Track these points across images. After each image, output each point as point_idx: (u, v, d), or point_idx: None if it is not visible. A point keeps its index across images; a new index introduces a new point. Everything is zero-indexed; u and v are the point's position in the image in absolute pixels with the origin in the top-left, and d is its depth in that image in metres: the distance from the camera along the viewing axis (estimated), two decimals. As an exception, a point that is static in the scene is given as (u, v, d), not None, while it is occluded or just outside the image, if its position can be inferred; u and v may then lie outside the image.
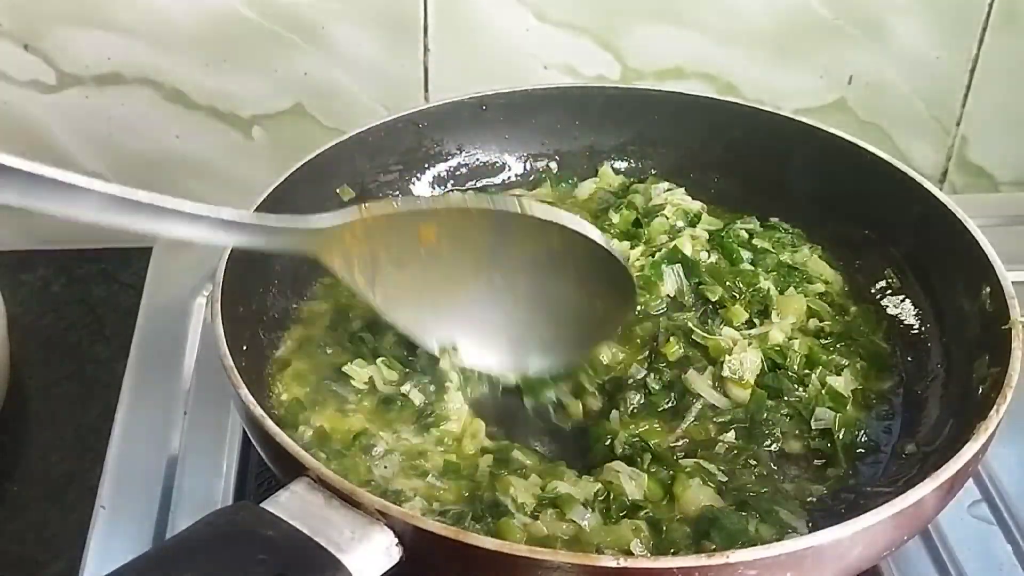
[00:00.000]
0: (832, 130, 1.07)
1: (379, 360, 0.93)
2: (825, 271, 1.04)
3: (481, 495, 0.83)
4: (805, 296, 1.00)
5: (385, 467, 0.86)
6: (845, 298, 1.03)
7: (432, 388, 0.91)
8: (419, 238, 0.88)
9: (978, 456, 0.79)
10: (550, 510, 0.81)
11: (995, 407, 0.80)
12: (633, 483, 0.84)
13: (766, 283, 0.99)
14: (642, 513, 0.82)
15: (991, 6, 1.29)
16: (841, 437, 0.89)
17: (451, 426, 0.89)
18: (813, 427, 0.90)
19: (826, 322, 0.98)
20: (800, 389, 0.92)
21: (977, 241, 0.94)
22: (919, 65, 1.32)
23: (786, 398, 0.91)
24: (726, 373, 0.91)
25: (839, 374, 0.93)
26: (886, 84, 1.33)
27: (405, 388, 0.91)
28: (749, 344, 0.93)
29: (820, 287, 1.02)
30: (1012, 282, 0.90)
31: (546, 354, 0.94)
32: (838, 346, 0.97)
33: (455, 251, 0.89)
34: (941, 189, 1.08)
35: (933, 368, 0.96)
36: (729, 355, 0.92)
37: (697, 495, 0.84)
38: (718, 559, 0.70)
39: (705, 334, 0.94)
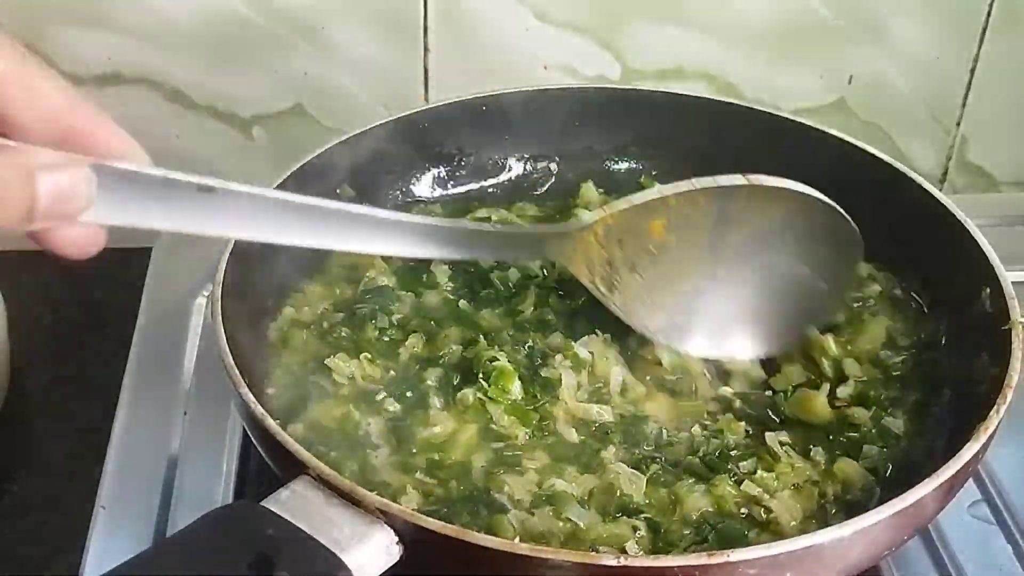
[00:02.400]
0: (832, 130, 1.07)
1: (362, 356, 0.93)
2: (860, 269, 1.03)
3: (476, 492, 0.83)
4: (872, 315, 1.00)
5: (375, 457, 0.86)
6: (892, 288, 1.03)
7: (410, 395, 0.91)
8: (649, 233, 0.91)
9: (978, 456, 0.79)
10: (546, 507, 0.82)
11: (995, 407, 0.80)
12: (633, 485, 0.84)
13: None
14: (642, 515, 0.82)
15: (991, 6, 1.29)
16: (888, 474, 0.86)
17: (435, 431, 0.88)
18: (860, 463, 0.87)
19: (901, 346, 0.97)
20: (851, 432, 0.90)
21: (977, 241, 0.94)
22: (919, 65, 1.33)
23: (838, 439, 0.90)
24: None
25: (894, 416, 0.91)
26: (886, 84, 1.33)
27: (379, 396, 0.90)
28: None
29: (876, 287, 1.02)
30: (1012, 282, 0.90)
31: (785, 327, 0.96)
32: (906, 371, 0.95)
33: (681, 242, 0.92)
34: (941, 189, 1.08)
35: (933, 369, 0.96)
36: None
37: (699, 501, 0.84)
38: (718, 558, 0.70)
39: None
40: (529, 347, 0.94)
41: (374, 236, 0.80)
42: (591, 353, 0.94)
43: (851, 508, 0.83)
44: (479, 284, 1.01)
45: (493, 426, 0.88)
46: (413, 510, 0.74)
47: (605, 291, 0.93)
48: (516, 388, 0.90)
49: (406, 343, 0.95)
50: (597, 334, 0.96)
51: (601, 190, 1.14)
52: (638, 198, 0.91)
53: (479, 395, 0.90)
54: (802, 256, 0.94)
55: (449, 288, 1.01)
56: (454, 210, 1.11)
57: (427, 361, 0.93)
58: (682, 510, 0.83)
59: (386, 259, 1.04)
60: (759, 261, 0.94)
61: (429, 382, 0.91)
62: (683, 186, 0.90)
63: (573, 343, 0.94)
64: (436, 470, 0.85)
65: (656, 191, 0.91)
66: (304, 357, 0.95)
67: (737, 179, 0.90)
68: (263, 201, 0.72)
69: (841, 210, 0.91)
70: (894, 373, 0.95)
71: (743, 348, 0.96)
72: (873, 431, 0.89)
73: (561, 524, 0.81)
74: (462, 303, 0.99)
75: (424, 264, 1.03)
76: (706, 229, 0.92)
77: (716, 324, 0.96)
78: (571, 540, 0.80)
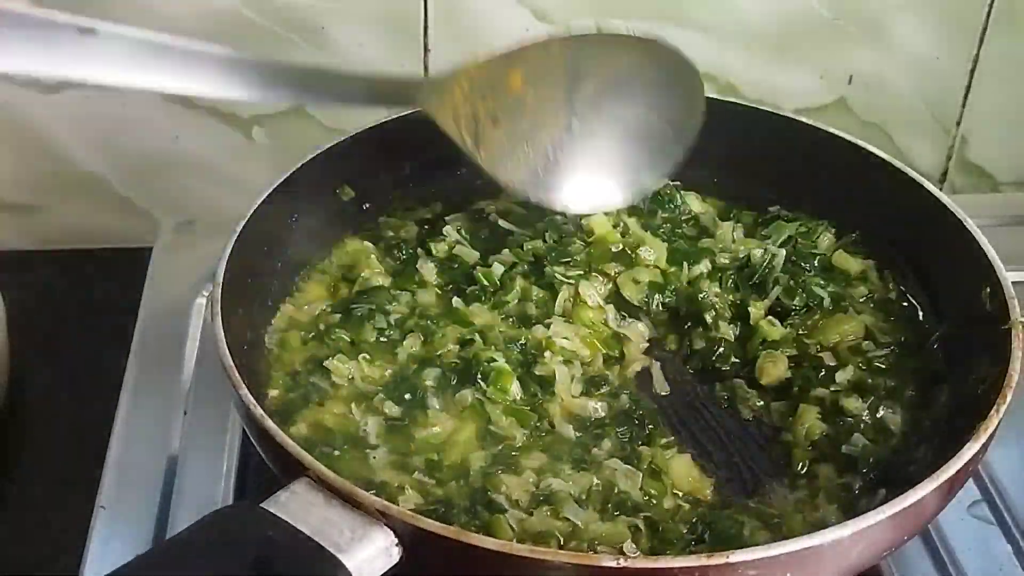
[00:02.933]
0: (832, 130, 1.07)
1: (360, 357, 0.93)
2: (853, 266, 1.04)
3: (473, 492, 0.83)
4: (857, 312, 1.00)
5: (374, 457, 0.86)
6: (883, 290, 1.03)
7: (408, 396, 0.91)
8: (509, 86, 0.95)
9: (978, 456, 0.79)
10: (544, 507, 0.82)
11: (995, 407, 0.80)
12: (629, 481, 0.84)
13: (822, 292, 1.00)
14: (640, 514, 0.82)
15: (991, 6, 1.29)
16: (867, 470, 0.86)
17: (434, 430, 0.89)
18: (844, 451, 0.87)
19: (882, 342, 0.97)
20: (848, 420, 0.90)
21: (977, 241, 0.94)
22: (919, 65, 1.32)
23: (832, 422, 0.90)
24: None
25: (893, 411, 0.91)
26: (886, 84, 1.33)
27: (378, 397, 0.91)
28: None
29: (863, 289, 1.02)
30: (1012, 282, 0.90)
31: (640, 174, 1.02)
32: (889, 365, 0.96)
33: (539, 95, 0.97)
34: (941, 189, 1.08)
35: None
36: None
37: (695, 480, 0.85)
38: (718, 559, 0.70)
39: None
40: (521, 344, 0.95)
41: (241, 78, 0.81)
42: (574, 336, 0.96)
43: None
44: (464, 281, 1.02)
45: (492, 427, 0.89)
46: (411, 511, 0.74)
47: (472, 144, 0.95)
48: (515, 388, 0.91)
49: (404, 343, 0.95)
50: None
51: None
52: (498, 51, 0.95)
53: (478, 396, 0.90)
54: (650, 104, 0.99)
55: (438, 283, 1.02)
56: (454, 205, 1.11)
57: (425, 361, 0.94)
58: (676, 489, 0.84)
59: (379, 259, 1.04)
60: (611, 112, 0.98)
61: (428, 382, 0.91)
62: (540, 37, 0.96)
63: (555, 340, 0.95)
64: (434, 470, 0.85)
65: (516, 45, 0.96)
66: (303, 358, 0.95)
67: (587, 31, 0.97)
68: (146, 45, 0.73)
69: (685, 56, 0.97)
70: (877, 365, 0.95)
71: (602, 199, 1.01)
72: (868, 422, 0.90)
73: (560, 523, 0.81)
74: (456, 300, 0.99)
75: (412, 262, 1.03)
76: (562, 80, 0.97)
77: (576, 176, 1.00)
78: (570, 539, 0.80)
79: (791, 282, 1.00)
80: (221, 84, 0.80)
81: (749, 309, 0.99)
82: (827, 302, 1.00)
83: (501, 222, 1.07)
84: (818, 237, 1.05)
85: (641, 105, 0.99)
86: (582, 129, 0.98)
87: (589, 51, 0.98)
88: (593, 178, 1.00)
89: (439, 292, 1.01)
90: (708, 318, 0.98)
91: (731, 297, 1.01)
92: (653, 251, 1.02)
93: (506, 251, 1.03)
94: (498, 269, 1.01)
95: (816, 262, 1.04)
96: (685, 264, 1.01)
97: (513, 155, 0.97)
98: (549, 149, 0.98)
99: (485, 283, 1.00)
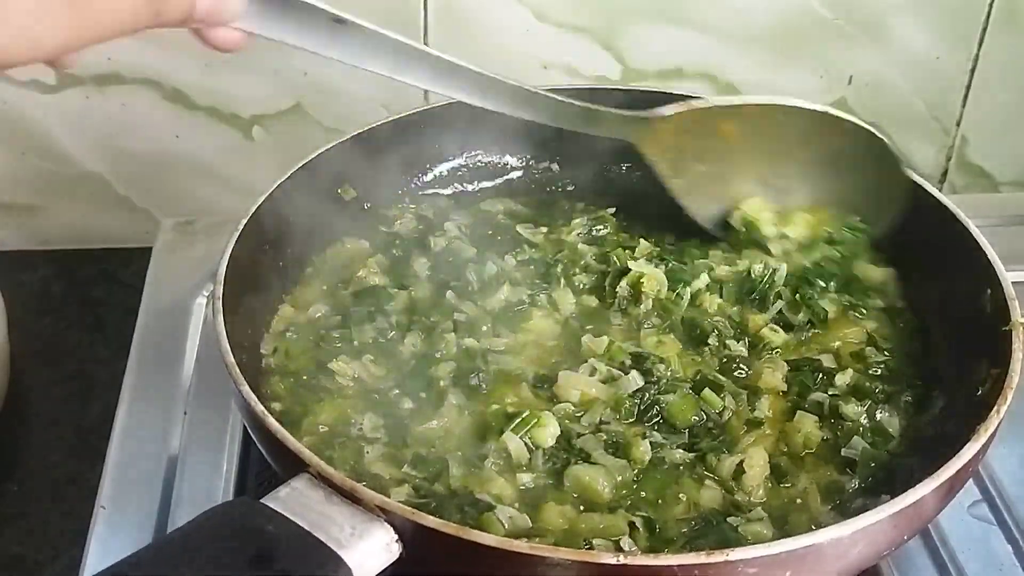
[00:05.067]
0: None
1: (364, 357, 0.93)
2: (876, 275, 1.03)
3: (458, 491, 0.83)
4: (865, 320, 0.99)
5: (367, 452, 0.86)
6: (894, 299, 1.02)
7: (423, 394, 0.90)
8: (720, 133, 1.02)
9: (978, 456, 0.79)
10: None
11: (995, 408, 0.80)
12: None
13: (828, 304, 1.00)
14: (638, 512, 0.82)
15: (991, 6, 1.29)
16: (867, 472, 0.86)
17: (432, 424, 0.88)
18: (843, 454, 0.87)
19: (883, 347, 0.97)
20: (846, 423, 0.90)
21: (977, 242, 0.94)
22: (919, 65, 1.33)
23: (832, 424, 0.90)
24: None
25: (890, 414, 0.90)
26: (886, 84, 1.33)
27: (394, 393, 0.90)
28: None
29: (879, 301, 1.01)
30: (1012, 283, 0.90)
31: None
32: (888, 368, 0.95)
33: (748, 148, 1.03)
34: (941, 189, 1.08)
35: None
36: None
37: (706, 495, 0.84)
38: (718, 557, 0.70)
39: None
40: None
41: (474, 89, 0.89)
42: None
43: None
44: (454, 278, 1.01)
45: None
46: (402, 503, 0.73)
47: (670, 173, 1.03)
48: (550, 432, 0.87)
49: (405, 341, 0.95)
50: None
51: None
52: (719, 100, 1.03)
53: (525, 440, 0.86)
54: (850, 185, 1.04)
55: (429, 278, 1.01)
56: (456, 203, 1.12)
57: (427, 358, 0.93)
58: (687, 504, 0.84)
59: (376, 256, 1.04)
60: (809, 179, 1.04)
61: (437, 378, 0.91)
62: (763, 99, 1.02)
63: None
64: (415, 465, 0.85)
65: (739, 99, 1.05)
66: (304, 358, 0.94)
67: (818, 106, 1.01)
68: (383, 40, 0.84)
69: (898, 152, 1.01)
70: (876, 369, 0.95)
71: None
72: (866, 425, 0.89)
73: (554, 519, 0.81)
74: (449, 294, 0.99)
75: (407, 258, 1.03)
76: (775, 141, 1.02)
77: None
78: (564, 532, 0.80)
79: (796, 296, 0.99)
80: (448, 86, 0.88)
81: (748, 323, 0.98)
82: (831, 314, 0.99)
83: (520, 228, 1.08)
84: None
85: (842, 182, 1.04)
86: (776, 186, 1.05)
87: (811, 125, 1.01)
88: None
89: (432, 288, 1.00)
90: (714, 341, 0.96)
91: (731, 310, 0.99)
92: (655, 282, 0.99)
93: (509, 256, 1.03)
94: (491, 268, 1.01)
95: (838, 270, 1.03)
96: (683, 284, 0.99)
97: (706, 192, 1.04)
98: (739, 197, 1.05)
99: (472, 282, 1.00)
